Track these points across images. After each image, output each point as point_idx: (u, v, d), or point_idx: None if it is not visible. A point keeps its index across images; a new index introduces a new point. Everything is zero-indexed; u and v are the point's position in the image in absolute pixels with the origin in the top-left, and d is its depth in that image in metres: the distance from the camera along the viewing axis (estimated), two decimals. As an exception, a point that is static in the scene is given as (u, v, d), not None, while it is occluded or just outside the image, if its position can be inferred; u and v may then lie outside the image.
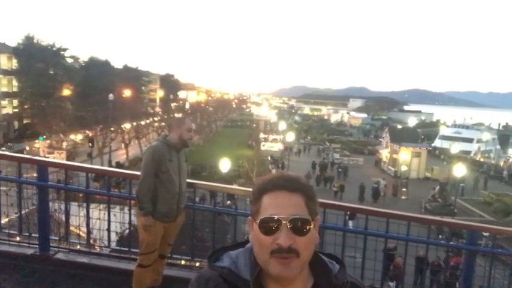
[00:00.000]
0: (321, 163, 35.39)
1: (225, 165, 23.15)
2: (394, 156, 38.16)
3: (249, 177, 27.42)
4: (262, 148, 45.02)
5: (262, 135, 52.63)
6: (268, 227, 1.00)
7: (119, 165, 33.22)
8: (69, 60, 52.19)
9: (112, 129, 36.62)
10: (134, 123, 43.58)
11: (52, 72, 45.38)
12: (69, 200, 4.25)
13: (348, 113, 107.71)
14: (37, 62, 43.03)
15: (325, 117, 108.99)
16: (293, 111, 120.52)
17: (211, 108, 74.23)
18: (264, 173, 31.40)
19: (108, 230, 4.09)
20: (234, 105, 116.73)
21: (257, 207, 1.05)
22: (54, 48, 46.52)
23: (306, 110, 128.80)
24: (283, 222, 0.99)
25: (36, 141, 36.85)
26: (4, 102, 45.70)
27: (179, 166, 3.48)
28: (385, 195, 27.32)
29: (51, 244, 4.12)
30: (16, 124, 46.29)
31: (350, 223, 4.75)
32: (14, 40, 47.93)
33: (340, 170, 34.50)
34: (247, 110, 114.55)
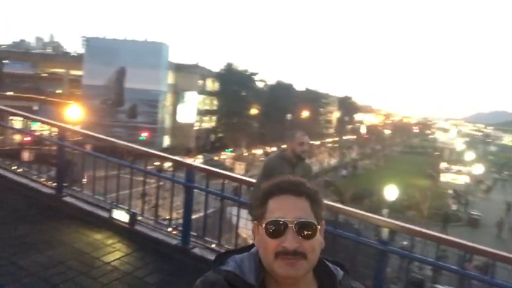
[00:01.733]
0: (519, 205, 29.37)
1: (391, 193, 21.70)
2: None
3: (419, 210, 24.91)
4: (442, 179, 40.30)
5: (444, 165, 47.19)
6: (274, 230, 1.01)
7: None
8: (259, 84, 58.58)
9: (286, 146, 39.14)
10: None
11: (244, 94, 51.82)
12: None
13: None
14: (233, 85, 49.93)
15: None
16: (489, 140, 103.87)
17: (388, 132, 70.87)
18: (441, 207, 28.03)
19: (236, 233, 4.46)
20: (417, 130, 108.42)
21: (263, 211, 1.06)
22: (247, 73, 53.30)
23: (506, 139, 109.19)
24: (290, 225, 1.00)
25: (223, 152, 42.48)
26: (205, 118, 54.42)
27: (292, 180, 3.56)
28: None
29: (191, 239, 4.75)
30: (212, 137, 54.38)
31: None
32: (217, 67, 56.93)
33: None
34: (431, 136, 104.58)
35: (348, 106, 76.89)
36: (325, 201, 3.48)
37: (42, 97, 43.54)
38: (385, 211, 20.84)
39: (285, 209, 1.03)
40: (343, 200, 31.01)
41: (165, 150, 43.46)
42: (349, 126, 72.29)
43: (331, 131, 67.73)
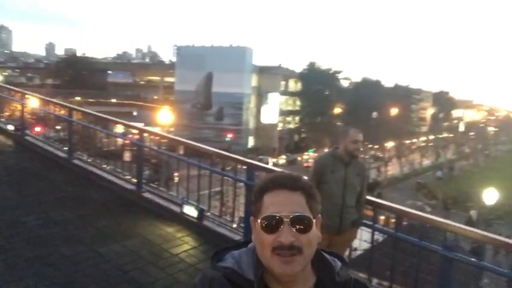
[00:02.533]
0: None
1: (490, 196, 19.49)
2: None
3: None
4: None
5: None
6: (270, 225, 1.01)
7: (376, 182, 33.61)
8: (343, 82, 57.14)
9: (371, 146, 37.53)
10: (398, 142, 43.07)
11: (327, 93, 50.97)
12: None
13: None
14: (316, 84, 49.44)
15: None
16: None
17: (492, 129, 63.80)
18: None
19: None
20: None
21: (258, 206, 1.06)
22: (330, 72, 52.32)
23: None
24: (285, 220, 1.00)
25: (306, 153, 42.23)
26: (288, 119, 54.71)
27: (345, 179, 3.43)
28: None
29: (253, 235, 4.85)
30: (296, 137, 54.44)
31: None
32: (300, 67, 56.89)
33: None
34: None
35: (443, 102, 70.96)
36: (383, 201, 3.28)
37: (140, 103, 47.82)
38: (473, 212, 18.85)
39: (280, 203, 1.03)
40: (437, 204, 28.75)
41: (249, 150, 44.78)
42: (445, 124, 66.63)
43: (425, 129, 63.15)
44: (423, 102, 66.81)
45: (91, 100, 43.04)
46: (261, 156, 41.69)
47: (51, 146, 8.13)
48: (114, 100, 49.02)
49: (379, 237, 4.32)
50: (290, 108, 54.21)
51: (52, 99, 8.66)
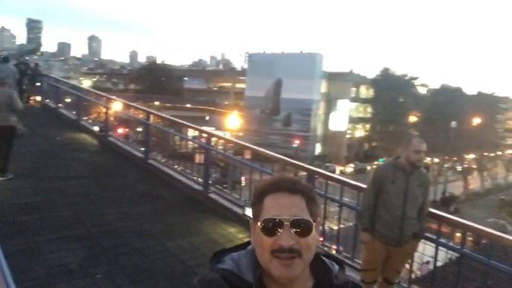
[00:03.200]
0: None
1: None
2: None
3: None
4: None
5: None
6: (270, 228, 1.02)
7: (452, 197, 31.32)
8: (419, 88, 54.15)
9: (448, 157, 35.02)
10: (479, 154, 39.72)
11: (401, 100, 48.67)
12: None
13: None
14: (390, 91, 47.49)
15: None
16: None
17: None
18: None
19: (337, 237, 4.38)
20: None
21: (258, 209, 1.07)
22: (406, 78, 49.96)
23: None
24: (285, 223, 1.00)
25: (376, 162, 40.59)
26: (358, 126, 53.15)
27: (406, 189, 3.32)
28: None
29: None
30: (366, 146, 52.69)
31: None
32: (373, 73, 55.04)
33: None
34: None
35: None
36: (447, 215, 3.14)
37: (212, 108, 49.74)
38: None
39: (281, 206, 1.03)
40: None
41: (316, 157, 44.27)
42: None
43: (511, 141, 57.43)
44: (511, 112, 60.85)
45: (168, 105, 45.78)
46: (328, 164, 41.01)
47: (130, 146, 8.87)
48: (188, 105, 51.62)
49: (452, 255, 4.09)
50: (361, 115, 52.66)
51: (132, 104, 9.45)
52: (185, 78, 61.37)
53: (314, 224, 1.05)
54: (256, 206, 1.08)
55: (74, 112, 11.51)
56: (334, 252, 4.65)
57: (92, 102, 10.98)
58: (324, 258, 1.12)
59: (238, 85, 55.65)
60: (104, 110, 9.90)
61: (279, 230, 1.01)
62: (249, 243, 1.13)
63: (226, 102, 54.44)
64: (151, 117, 8.25)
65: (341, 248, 4.65)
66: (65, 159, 7.91)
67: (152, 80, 58.89)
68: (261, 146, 7.21)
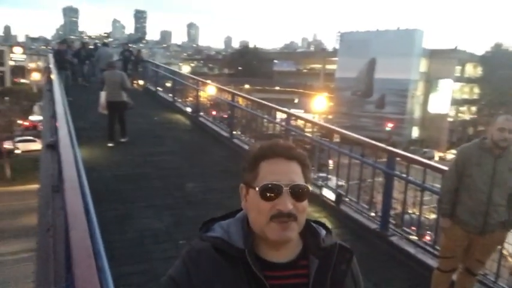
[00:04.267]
0: None
1: None
2: None
3: None
4: None
5: None
6: (270, 193, 1.02)
7: None
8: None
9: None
10: None
11: (517, 79, 42.91)
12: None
13: None
14: (502, 69, 42.12)
15: None
16: None
17: None
18: None
19: (418, 222, 4.11)
20: None
21: (254, 174, 1.06)
22: (523, 53, 43.77)
23: None
24: (285, 188, 1.02)
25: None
26: (462, 109, 48.33)
27: (492, 173, 2.98)
28: None
29: (390, 226, 4.69)
30: (471, 130, 47.82)
31: None
32: (481, 49, 49.17)
33: None
34: None
35: None
36: None
37: (301, 90, 49.47)
38: None
39: (279, 172, 1.04)
40: None
41: (412, 142, 41.53)
42: None
43: None
44: None
45: (258, 88, 46.74)
46: (425, 149, 38.18)
47: (218, 126, 9.35)
48: (278, 88, 52.09)
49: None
50: (466, 96, 47.79)
51: (219, 86, 9.87)
52: (275, 61, 61.84)
53: (310, 188, 1.07)
54: (250, 171, 1.07)
55: (170, 95, 12.47)
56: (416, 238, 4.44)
57: (185, 86, 11.75)
58: (311, 222, 1.13)
59: (328, 66, 54.34)
60: (195, 92, 10.54)
61: (278, 195, 1.02)
62: (238, 211, 1.13)
63: (316, 85, 53.65)
64: (238, 100, 8.58)
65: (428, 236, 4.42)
66: (160, 137, 8.67)
67: (244, 64, 60.54)
68: (351, 129, 7.01)
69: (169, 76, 12.87)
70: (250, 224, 1.07)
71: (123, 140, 7.85)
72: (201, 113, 10.18)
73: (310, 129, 6.68)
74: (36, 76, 52.97)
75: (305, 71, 60.96)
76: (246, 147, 7.79)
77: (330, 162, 6.70)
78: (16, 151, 28.23)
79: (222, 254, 1.03)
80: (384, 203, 4.72)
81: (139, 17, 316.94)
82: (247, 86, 45.18)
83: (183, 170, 6.65)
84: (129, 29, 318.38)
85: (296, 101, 48.36)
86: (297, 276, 1.06)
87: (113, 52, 15.08)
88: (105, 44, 15.51)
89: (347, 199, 5.45)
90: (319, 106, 35.33)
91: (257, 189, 1.03)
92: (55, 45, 11.90)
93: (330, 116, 43.78)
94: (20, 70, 62.19)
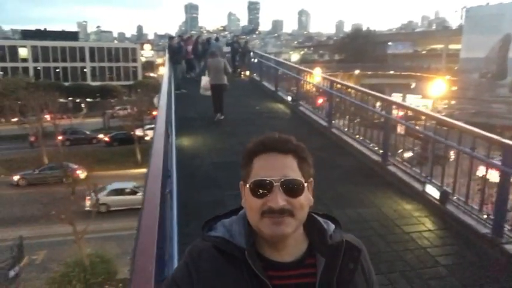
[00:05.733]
0: None
1: None
2: None
3: None
4: None
5: None
6: (260, 189, 0.99)
7: None
8: None
9: None
10: None
11: None
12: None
13: None
14: None
15: None
16: None
17: None
18: None
19: None
20: None
21: (248, 170, 1.03)
22: None
23: None
24: (275, 184, 0.98)
25: None
26: None
27: None
28: None
29: (504, 232, 4.03)
30: None
31: None
32: None
33: None
34: None
35: None
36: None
37: (419, 74, 45.52)
38: None
39: (271, 167, 1.00)
40: None
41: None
42: None
43: None
44: None
45: (369, 73, 44.47)
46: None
47: (316, 115, 9.16)
48: (392, 72, 48.80)
49: None
50: None
51: (318, 74, 9.60)
52: (389, 43, 57.95)
53: (306, 184, 1.02)
54: (245, 167, 1.05)
55: (273, 84, 12.62)
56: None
57: (287, 74, 11.74)
58: (318, 218, 1.08)
59: (451, 46, 48.89)
60: (295, 81, 10.45)
61: (268, 191, 0.98)
62: (241, 208, 1.09)
63: (437, 67, 48.79)
64: (337, 86, 8.23)
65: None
66: (259, 126, 8.84)
67: (355, 48, 58.14)
68: (478, 117, 6.16)
69: (271, 65, 13.00)
70: (249, 221, 1.04)
71: (221, 117, 9.03)
72: (301, 102, 10.08)
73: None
74: (162, 70, 59.21)
75: (424, 52, 55.93)
76: (346, 137, 7.48)
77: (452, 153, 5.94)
78: (146, 138, 31.91)
79: (224, 254, 1.00)
80: (497, 204, 4.06)
81: (253, 8, 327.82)
82: (357, 72, 43.33)
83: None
84: (243, 21, 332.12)
85: (413, 85, 44.72)
86: (304, 275, 1.02)
87: (222, 46, 16.03)
88: (217, 39, 16.58)
89: (454, 197, 4.83)
90: (438, 91, 32.12)
91: (247, 185, 1.01)
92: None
93: (453, 102, 39.50)
94: (149, 65, 70.07)
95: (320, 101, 10.07)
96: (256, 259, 0.99)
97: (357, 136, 7.28)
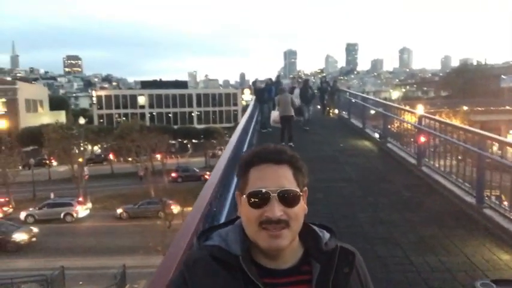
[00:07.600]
0: None
1: None
2: None
3: None
4: None
5: None
6: (257, 200, 1.01)
7: None
8: None
9: None
10: None
11: None
12: None
13: None
14: None
15: None
16: None
17: None
18: None
19: None
20: None
21: (244, 181, 1.06)
22: None
23: None
24: (272, 195, 1.00)
25: None
26: None
27: None
28: None
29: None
30: None
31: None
32: None
33: None
34: None
35: None
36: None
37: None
38: None
39: (267, 178, 1.01)
40: None
41: None
42: None
43: None
44: None
45: (480, 108, 40.26)
46: None
47: (405, 152, 8.52)
48: (508, 107, 43.48)
49: None
50: None
51: (405, 108, 9.02)
52: (503, 77, 52.17)
53: (301, 193, 1.03)
54: (241, 178, 1.07)
55: (361, 121, 12.22)
56: None
57: (375, 111, 11.28)
58: (313, 226, 1.10)
59: None
60: (384, 118, 9.95)
61: (265, 202, 0.99)
62: (237, 218, 1.11)
63: None
64: (430, 123, 7.57)
65: None
66: (341, 163, 8.53)
67: (462, 84, 53.64)
68: None
69: (360, 103, 12.65)
70: (245, 231, 1.05)
71: (290, 144, 9.59)
72: (389, 139, 9.51)
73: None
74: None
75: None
76: (437, 176, 6.77)
77: None
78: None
79: (220, 263, 1.02)
80: None
81: (351, 49, 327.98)
82: (465, 108, 39.55)
83: (355, 199, 6.28)
84: (341, 62, 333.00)
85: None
86: (300, 282, 1.03)
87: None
88: (306, 82, 16.51)
89: None
90: None
91: (244, 196, 1.03)
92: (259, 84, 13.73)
93: None
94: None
95: (422, 139, 9.29)
96: (251, 265, 1.01)
97: (453, 176, 6.49)
